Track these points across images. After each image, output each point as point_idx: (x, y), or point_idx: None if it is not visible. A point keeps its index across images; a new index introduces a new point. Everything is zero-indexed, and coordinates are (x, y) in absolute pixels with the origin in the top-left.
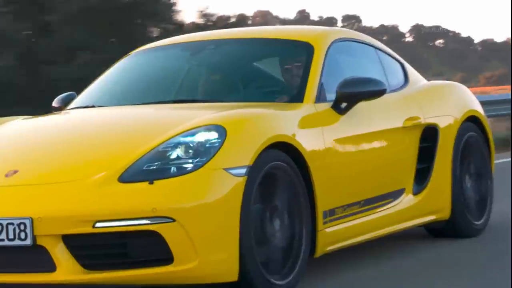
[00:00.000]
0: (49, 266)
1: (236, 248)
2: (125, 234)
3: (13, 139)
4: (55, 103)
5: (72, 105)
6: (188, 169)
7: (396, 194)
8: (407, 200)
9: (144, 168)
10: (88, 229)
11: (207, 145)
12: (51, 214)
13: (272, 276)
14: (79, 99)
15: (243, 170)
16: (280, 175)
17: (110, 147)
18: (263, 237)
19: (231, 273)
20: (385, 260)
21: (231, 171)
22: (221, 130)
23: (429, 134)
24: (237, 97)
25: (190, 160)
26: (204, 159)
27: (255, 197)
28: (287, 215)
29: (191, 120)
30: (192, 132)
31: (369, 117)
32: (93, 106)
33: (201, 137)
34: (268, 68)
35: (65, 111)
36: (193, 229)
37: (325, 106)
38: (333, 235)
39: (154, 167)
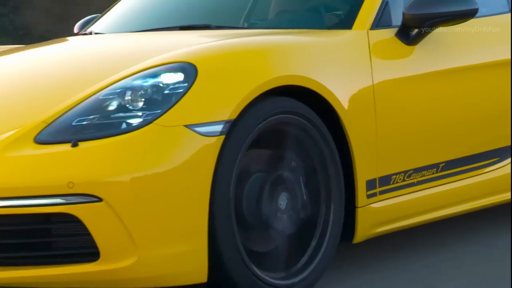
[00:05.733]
0: None
1: (203, 238)
2: (40, 218)
3: None
4: (75, 29)
5: (83, 31)
6: (133, 125)
7: (502, 153)
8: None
9: (73, 123)
10: None
11: (165, 92)
12: None
13: (273, 274)
14: (94, 24)
15: (218, 127)
16: (293, 133)
17: (42, 93)
18: (259, 221)
19: (195, 273)
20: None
21: (197, 128)
22: (190, 70)
23: None
24: (269, 24)
25: (140, 113)
26: (159, 111)
27: (246, 165)
28: (304, 188)
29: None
30: (148, 73)
31: (452, 48)
32: (90, 33)
33: (161, 80)
34: None
35: (51, 40)
36: (129, 212)
37: (386, 34)
38: (385, 212)
39: (87, 122)
